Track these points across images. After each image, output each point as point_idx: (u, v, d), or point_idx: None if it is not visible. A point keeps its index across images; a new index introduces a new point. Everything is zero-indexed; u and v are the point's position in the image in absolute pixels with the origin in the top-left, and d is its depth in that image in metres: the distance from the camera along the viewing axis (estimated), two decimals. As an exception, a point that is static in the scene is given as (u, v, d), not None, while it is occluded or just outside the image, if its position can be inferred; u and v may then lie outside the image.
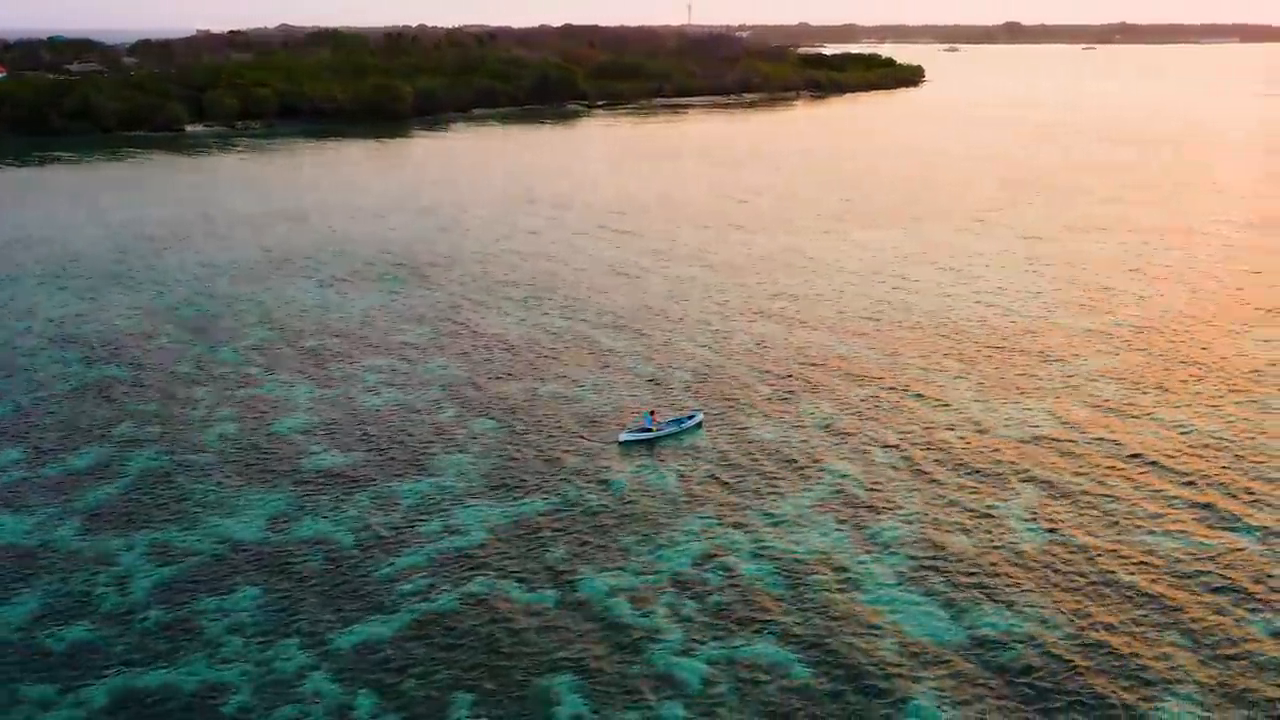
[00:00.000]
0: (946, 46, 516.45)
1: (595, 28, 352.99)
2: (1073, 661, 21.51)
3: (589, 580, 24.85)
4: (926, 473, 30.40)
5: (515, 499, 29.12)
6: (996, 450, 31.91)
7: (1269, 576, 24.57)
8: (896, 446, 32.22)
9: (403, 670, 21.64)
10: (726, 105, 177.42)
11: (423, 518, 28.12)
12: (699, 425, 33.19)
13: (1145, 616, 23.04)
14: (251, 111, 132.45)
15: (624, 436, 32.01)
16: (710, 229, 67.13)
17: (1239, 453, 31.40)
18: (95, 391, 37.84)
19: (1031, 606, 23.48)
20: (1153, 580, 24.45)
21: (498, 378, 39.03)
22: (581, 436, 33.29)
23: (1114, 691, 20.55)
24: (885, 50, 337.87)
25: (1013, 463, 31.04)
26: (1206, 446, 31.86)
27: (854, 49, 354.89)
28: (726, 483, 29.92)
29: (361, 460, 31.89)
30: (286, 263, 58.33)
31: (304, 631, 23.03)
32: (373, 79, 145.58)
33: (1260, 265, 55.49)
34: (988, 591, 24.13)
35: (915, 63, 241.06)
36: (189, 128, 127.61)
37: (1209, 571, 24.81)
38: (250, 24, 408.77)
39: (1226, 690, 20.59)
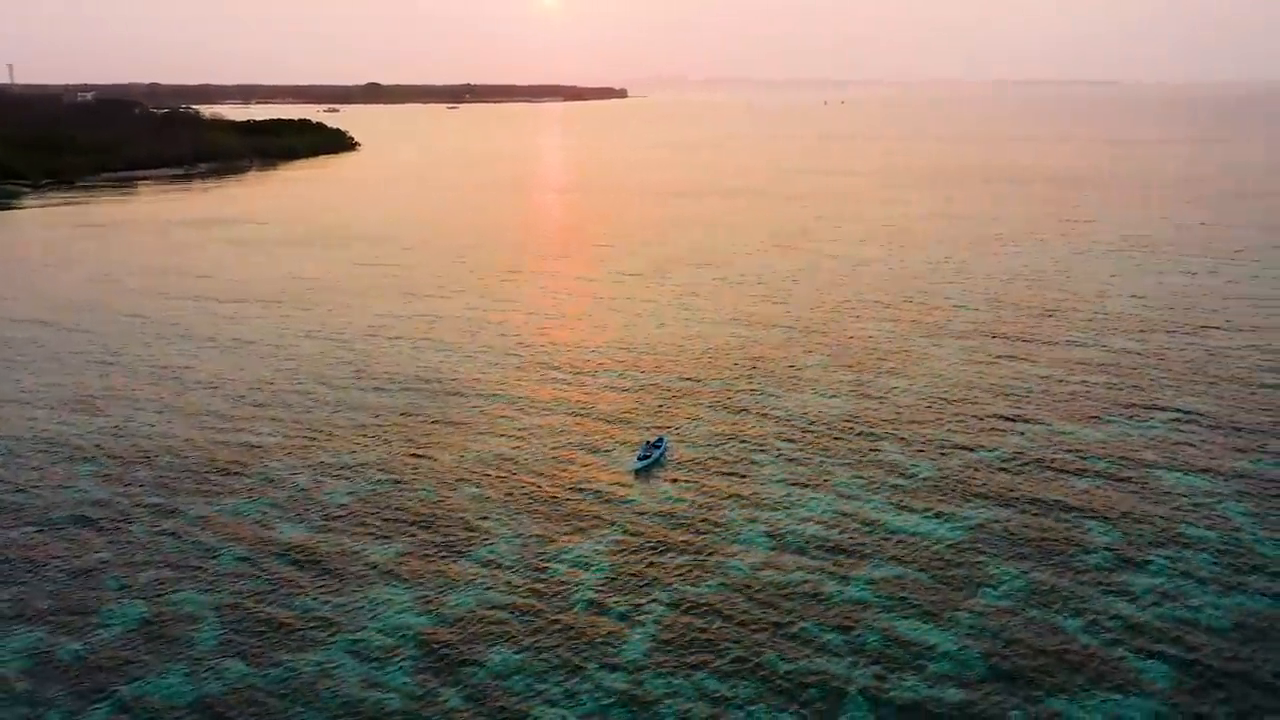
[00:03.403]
0: (326, 107, 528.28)
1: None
2: (1034, 513, 34.98)
3: (728, 566, 32.03)
4: (846, 441, 42.00)
5: (591, 535, 34.25)
6: (853, 421, 44.68)
7: (1094, 449, 40.81)
8: (813, 432, 43.24)
9: (707, 649, 27.27)
10: (185, 177, 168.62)
11: (545, 566, 32.11)
12: (667, 446, 40.71)
13: (1044, 489, 37.52)
14: None
15: (636, 465, 38.36)
16: (389, 298, 70.63)
17: (1001, 390, 48.36)
18: (39, 553, 32.57)
19: (989, 497, 36.54)
20: (1045, 461, 39.20)
21: (424, 455, 41.53)
22: (586, 473, 38.72)
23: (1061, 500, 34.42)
24: (253, 112, 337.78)
25: (875, 428, 44.05)
26: (990, 390, 48.31)
27: (222, 110, 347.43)
28: (733, 481, 38.35)
29: (416, 545, 33.74)
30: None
31: (571, 665, 27.05)
32: None
33: (837, 275, 76.77)
34: (958, 499, 36.61)
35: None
36: None
37: (1039, 450, 40.28)
38: None
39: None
